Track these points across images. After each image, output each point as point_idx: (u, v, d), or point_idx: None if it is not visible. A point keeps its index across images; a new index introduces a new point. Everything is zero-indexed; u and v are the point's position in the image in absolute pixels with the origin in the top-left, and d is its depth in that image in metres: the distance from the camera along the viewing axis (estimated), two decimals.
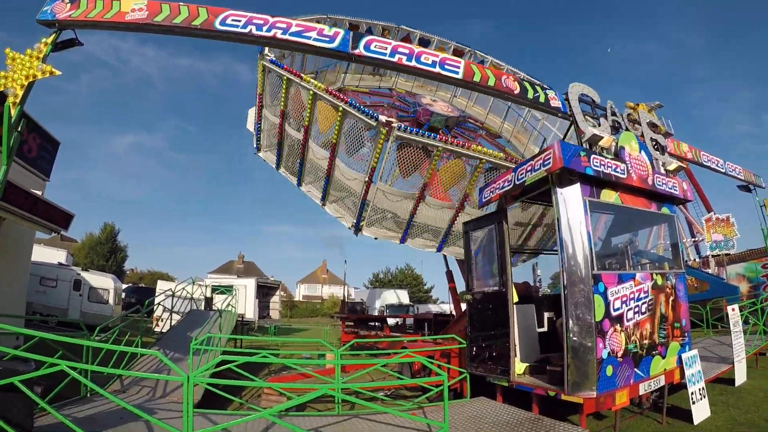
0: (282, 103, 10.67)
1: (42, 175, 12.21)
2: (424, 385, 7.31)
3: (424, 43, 15.07)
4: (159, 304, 15.75)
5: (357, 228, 10.50)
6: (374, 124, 9.00)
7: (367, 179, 9.61)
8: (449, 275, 12.33)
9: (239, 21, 6.98)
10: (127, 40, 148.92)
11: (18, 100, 6.19)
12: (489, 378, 7.29)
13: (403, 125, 9.12)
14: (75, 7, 6.87)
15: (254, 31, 6.93)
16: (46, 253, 23.73)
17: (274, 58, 10.49)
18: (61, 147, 12.91)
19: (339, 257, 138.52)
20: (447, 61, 7.26)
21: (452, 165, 9.62)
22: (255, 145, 13.20)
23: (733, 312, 9.01)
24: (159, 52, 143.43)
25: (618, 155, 7.06)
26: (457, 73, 7.23)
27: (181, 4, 7.04)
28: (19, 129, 6.48)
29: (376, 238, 10.74)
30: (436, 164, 9.32)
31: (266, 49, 10.30)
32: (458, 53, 15.01)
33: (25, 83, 6.23)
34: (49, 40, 6.64)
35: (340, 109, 9.31)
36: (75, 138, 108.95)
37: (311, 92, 9.68)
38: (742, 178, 13.79)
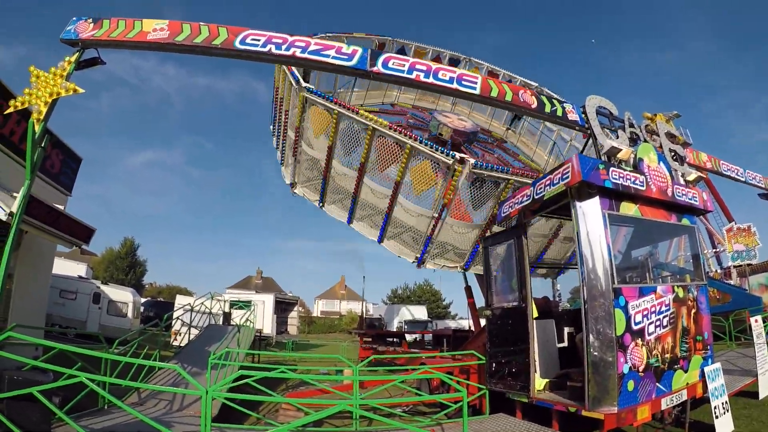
0: (330, 139, 10.38)
1: (64, 189, 12.46)
2: (443, 401, 7.25)
3: (454, 62, 15.37)
4: (177, 318, 15.90)
5: (420, 262, 10.71)
6: (450, 161, 9.13)
7: (435, 215, 9.81)
8: (468, 291, 12.28)
9: (259, 40, 7.09)
10: (148, 59, 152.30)
11: (42, 117, 6.37)
12: (508, 394, 7.21)
13: (477, 162, 9.32)
14: (98, 27, 7.06)
15: (273, 50, 7.03)
16: (67, 266, 24.14)
17: (314, 88, 10.51)
18: (83, 162, 13.20)
19: (357, 273, 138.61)
20: (464, 77, 7.28)
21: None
22: (289, 182, 13.07)
23: (756, 323, 8.84)
24: (179, 70, 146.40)
25: (637, 167, 7.00)
26: (474, 88, 7.24)
27: (202, 24, 7.17)
28: (42, 145, 6.68)
29: (435, 270, 10.96)
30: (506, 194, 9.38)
31: (301, 76, 10.64)
32: (454, 61, 15.28)
33: (49, 100, 6.41)
34: (73, 58, 6.83)
35: (408, 146, 9.43)
36: (96, 154, 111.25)
37: (371, 128, 9.69)
38: (763, 186, 13.55)
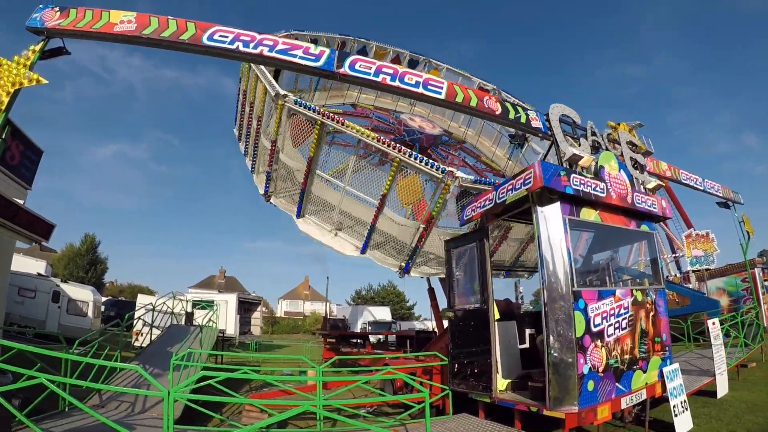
0: (312, 150, 10.13)
1: (24, 183, 12.02)
2: (406, 401, 7.29)
3: (413, 63, 15.44)
4: (139, 318, 15.53)
5: (406, 271, 10.66)
6: (440, 176, 9.11)
7: (423, 226, 9.77)
8: (431, 293, 12.38)
9: (226, 37, 6.99)
10: (115, 49, 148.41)
11: (3, 107, 6.13)
12: (471, 394, 7.30)
13: (295, 98, 9.72)
14: (64, 16, 6.86)
15: (241, 48, 6.94)
16: (26, 263, 23.26)
17: (299, 100, 10.29)
18: (44, 155, 12.76)
19: (321, 274, 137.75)
20: (430, 82, 7.34)
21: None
22: (263, 192, 12.72)
23: (714, 326, 9.17)
24: (145, 63, 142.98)
25: (598, 174, 7.20)
26: (440, 93, 7.31)
27: (170, 18, 7.04)
28: (2, 136, 6.44)
29: (422, 277, 11.08)
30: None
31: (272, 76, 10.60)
32: (413, 62, 15.41)
33: (11, 90, 6.18)
34: (37, 47, 6.61)
35: (397, 160, 9.38)
36: (57, 146, 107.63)
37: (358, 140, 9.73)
38: (721, 195, 14.09)
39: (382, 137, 9.73)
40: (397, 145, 9.51)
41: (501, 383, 7.05)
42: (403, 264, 10.61)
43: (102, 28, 6.91)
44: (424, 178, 9.60)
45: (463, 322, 7.79)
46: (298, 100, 10.18)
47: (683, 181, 12.99)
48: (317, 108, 9.85)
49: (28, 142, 12.03)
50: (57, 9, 6.92)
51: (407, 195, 9.74)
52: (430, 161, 9.35)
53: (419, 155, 9.54)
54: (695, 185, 13.33)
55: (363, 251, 10.74)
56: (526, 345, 8.17)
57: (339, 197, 10.47)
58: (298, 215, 11.20)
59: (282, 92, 9.99)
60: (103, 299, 29.25)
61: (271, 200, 12.19)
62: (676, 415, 6.70)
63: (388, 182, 9.54)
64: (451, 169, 9.19)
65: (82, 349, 9.34)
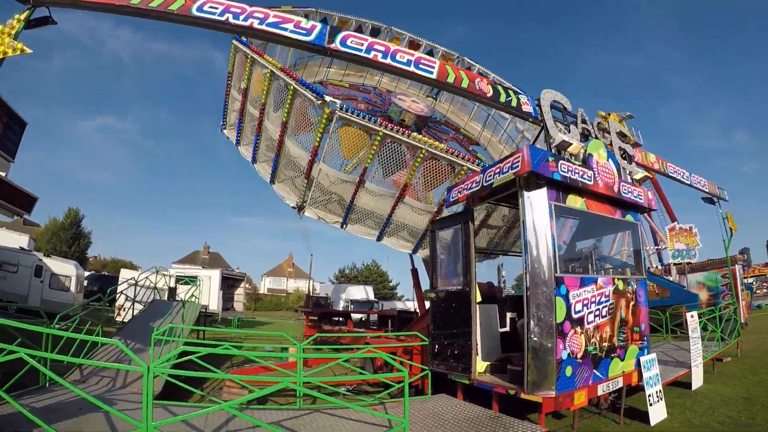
0: (245, 81, 10.54)
1: (7, 155, 11.74)
2: (386, 380, 7.35)
3: (375, 32, 15.13)
4: (122, 293, 15.39)
5: (300, 208, 10.58)
6: (318, 102, 8.89)
7: (309, 158, 9.61)
8: (414, 273, 12.34)
9: (216, 8, 6.87)
10: (103, 20, 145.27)
11: None
12: (450, 375, 7.37)
13: (345, 105, 9.04)
14: None
15: (231, 20, 6.82)
16: (8, 237, 22.98)
17: (244, 39, 10.18)
18: (28, 127, 12.48)
19: (305, 251, 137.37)
20: (422, 61, 7.28)
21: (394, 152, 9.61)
22: (222, 122, 12.95)
23: (692, 318, 9.28)
24: (135, 34, 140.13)
25: (586, 162, 7.21)
26: (431, 72, 7.25)
27: None
28: None
29: (319, 218, 10.75)
30: (375, 150, 9.31)
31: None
32: (375, 30, 15.18)
33: None
34: (23, 16, 6.48)
35: (291, 88, 9.26)
36: (42, 118, 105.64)
37: (269, 71, 9.60)
38: (707, 190, 14.25)
39: (288, 69, 9.69)
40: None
41: (480, 365, 7.11)
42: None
43: None
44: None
45: (444, 304, 7.82)
46: (351, 107, 9.41)
47: (670, 174, 13.11)
48: (253, 47, 9.77)
49: (11, 113, 11.70)
50: None
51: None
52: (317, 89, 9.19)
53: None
54: (682, 179, 13.47)
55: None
56: (507, 329, 8.25)
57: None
58: (343, 225, 10.77)
59: (329, 99, 9.01)
60: (86, 274, 28.98)
61: (305, 212, 11.05)
62: (651, 405, 6.82)
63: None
64: (332, 99, 8.93)
65: (64, 324, 9.26)
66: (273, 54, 12.75)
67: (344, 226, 10.57)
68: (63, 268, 21.46)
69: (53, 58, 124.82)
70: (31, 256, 21.00)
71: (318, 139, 9.25)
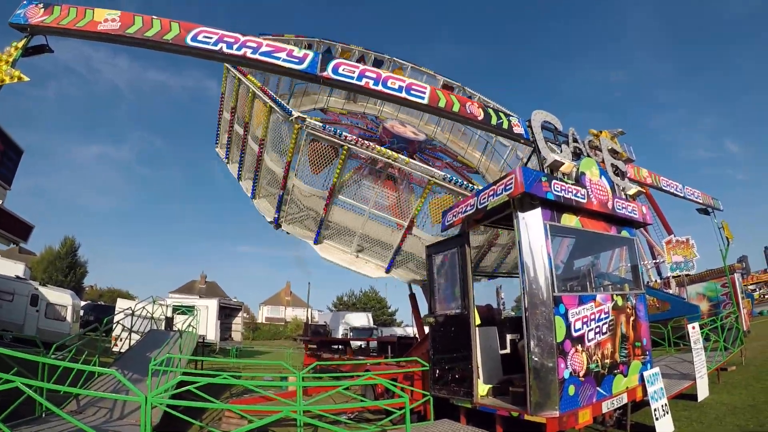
0: (233, 101, 11.03)
1: (3, 183, 11.76)
2: (387, 407, 7.25)
3: (378, 63, 15.46)
4: (118, 322, 15.29)
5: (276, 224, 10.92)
6: (288, 117, 9.20)
7: (284, 172, 9.90)
8: (412, 298, 12.33)
9: (210, 38, 6.94)
10: (99, 49, 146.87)
11: None
12: (452, 400, 7.28)
13: (315, 123, 9.37)
14: (48, 13, 6.78)
15: (225, 49, 6.89)
16: (3, 266, 22.78)
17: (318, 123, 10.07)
18: (24, 155, 12.50)
19: (303, 279, 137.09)
20: (413, 86, 7.35)
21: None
22: (215, 141, 13.32)
23: (694, 330, 9.27)
24: (131, 63, 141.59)
25: (579, 181, 7.27)
26: (422, 98, 7.32)
27: (154, 17, 6.99)
28: None
29: (288, 233, 11.12)
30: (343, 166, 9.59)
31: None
32: (448, 87, 15.43)
33: None
34: (20, 44, 6.54)
35: (268, 105, 9.71)
36: (38, 146, 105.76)
37: (251, 91, 10.05)
38: (701, 201, 14.30)
39: (265, 88, 10.03)
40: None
41: (482, 388, 7.05)
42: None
43: (86, 27, 6.83)
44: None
45: (444, 328, 7.78)
46: (322, 123, 9.79)
47: (663, 188, 13.17)
48: (344, 133, 9.71)
49: (8, 140, 11.76)
50: (41, 5, 6.85)
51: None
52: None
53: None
54: (675, 192, 13.52)
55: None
56: (508, 350, 8.19)
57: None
58: (316, 242, 10.97)
59: (297, 114, 9.46)
60: (82, 303, 28.72)
61: (282, 227, 11.61)
62: (657, 419, 6.77)
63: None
64: (300, 116, 9.26)
65: (60, 353, 9.17)
66: (275, 82, 13.12)
67: (317, 242, 10.85)
68: (59, 297, 21.29)
69: (49, 85, 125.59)
70: (27, 285, 20.83)
71: (290, 155, 9.63)
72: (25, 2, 6.85)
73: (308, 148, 9.66)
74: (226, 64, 10.77)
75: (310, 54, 7.00)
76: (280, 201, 10.70)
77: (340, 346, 17.06)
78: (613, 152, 9.29)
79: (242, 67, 10.47)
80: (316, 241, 10.91)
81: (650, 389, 6.99)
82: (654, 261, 27.38)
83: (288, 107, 9.64)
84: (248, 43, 6.95)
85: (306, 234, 11.16)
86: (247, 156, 12.04)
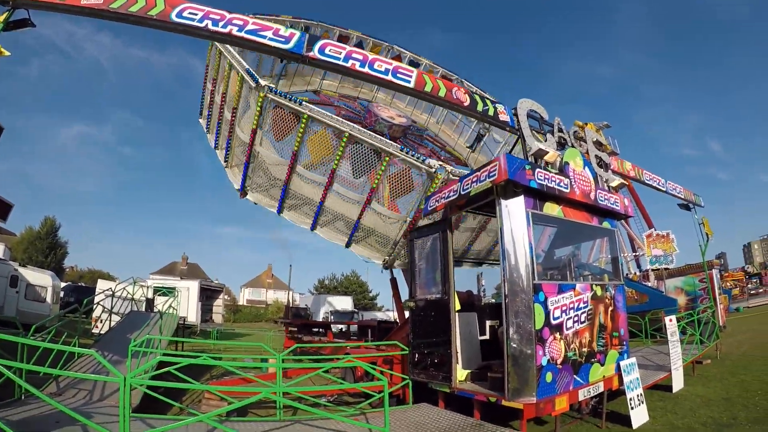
0: (215, 72, 11.13)
1: None
2: (366, 390, 7.31)
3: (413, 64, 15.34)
4: (98, 304, 15.10)
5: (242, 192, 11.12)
6: (432, 170, 9.15)
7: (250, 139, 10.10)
8: (393, 282, 12.37)
9: (196, 15, 6.79)
10: (83, 25, 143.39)
11: None
12: (431, 384, 7.36)
13: (275, 89, 9.51)
14: None
15: (210, 26, 6.75)
16: None
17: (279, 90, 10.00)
18: (3, 133, 12.25)
19: (285, 262, 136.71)
20: (400, 70, 7.31)
21: (320, 135, 9.79)
22: (238, 188, 12.29)
23: (671, 323, 9.41)
24: (114, 40, 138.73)
25: (562, 170, 7.31)
26: (408, 82, 7.29)
27: None
28: None
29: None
30: (303, 136, 9.61)
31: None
32: (446, 79, 15.37)
33: None
34: (1, 18, 6.33)
35: (240, 74, 9.84)
36: (18, 125, 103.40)
37: (228, 62, 10.18)
38: (682, 196, 14.50)
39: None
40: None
41: (461, 374, 7.12)
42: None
43: (69, 0, 6.63)
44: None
45: (424, 312, 7.83)
46: (283, 91, 9.89)
47: (646, 182, 13.34)
48: (304, 101, 9.66)
49: None
50: None
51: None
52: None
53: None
54: (658, 186, 13.70)
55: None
56: (487, 336, 8.28)
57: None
58: (279, 211, 11.07)
59: (264, 83, 9.56)
60: (63, 285, 28.38)
61: (247, 196, 11.81)
62: (632, 408, 6.90)
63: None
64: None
65: (39, 335, 9.06)
66: (269, 63, 13.20)
67: (280, 212, 10.99)
68: (39, 278, 20.96)
69: (31, 62, 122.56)
70: (6, 266, 20.46)
71: (254, 122, 9.76)
72: None
73: (271, 114, 9.75)
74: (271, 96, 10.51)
75: (297, 33, 6.90)
76: (246, 168, 10.84)
77: (320, 329, 17.09)
78: (598, 144, 9.35)
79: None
80: (279, 211, 11.02)
81: (626, 379, 7.11)
82: (634, 253, 27.75)
83: (256, 76, 9.70)
84: (234, 21, 6.82)
85: (270, 204, 11.25)
86: (223, 125, 12.16)
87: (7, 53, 6.15)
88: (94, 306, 15.62)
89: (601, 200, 7.79)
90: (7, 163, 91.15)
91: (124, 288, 16.76)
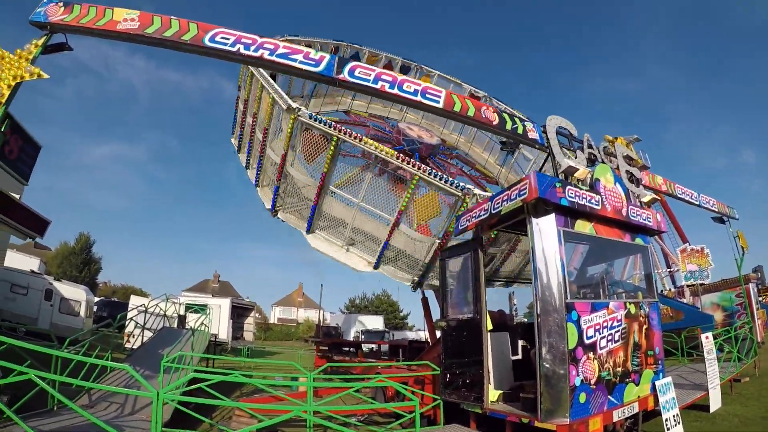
0: (326, 166, 10.24)
1: (21, 178, 11.93)
2: (397, 410, 7.25)
3: (405, 69, 15.53)
4: (131, 319, 15.42)
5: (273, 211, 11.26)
6: (459, 194, 9.22)
7: (439, 242, 9.90)
8: (425, 302, 12.30)
9: (228, 39, 7.03)
10: (117, 48, 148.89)
11: (4, 100, 6.17)
12: (462, 405, 7.25)
13: (309, 112, 9.64)
14: (68, 12, 6.90)
15: (242, 50, 6.98)
16: (19, 260, 23.15)
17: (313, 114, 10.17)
18: (41, 150, 12.69)
19: (316, 281, 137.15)
20: (429, 90, 7.39)
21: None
22: (269, 207, 12.59)
23: (707, 340, 9.16)
24: (148, 63, 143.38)
25: (593, 187, 7.22)
26: (438, 102, 7.34)
27: (173, 18, 7.09)
28: (2, 129, 6.47)
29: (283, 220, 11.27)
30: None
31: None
32: (405, 68, 15.56)
33: (12, 83, 6.23)
34: (40, 42, 6.67)
35: (417, 177, 9.55)
36: (55, 143, 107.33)
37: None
38: (716, 210, 14.13)
39: (400, 154, 9.85)
40: (415, 161, 9.59)
41: (493, 394, 7.01)
42: (416, 278, 10.64)
43: (105, 26, 6.95)
44: (443, 195, 9.64)
45: (455, 332, 7.76)
46: (313, 114, 10.00)
47: (678, 196, 13.04)
48: (334, 123, 9.81)
49: (26, 136, 11.93)
50: (61, 4, 6.97)
51: (424, 212, 9.84)
52: (449, 179, 9.40)
53: (438, 173, 9.60)
54: (690, 200, 13.39)
55: (376, 266, 10.78)
56: (519, 356, 8.15)
57: (352, 213, 10.42)
58: (309, 231, 11.13)
59: (295, 105, 9.72)
60: (96, 299, 29.09)
61: (278, 215, 11.92)
62: (668, 429, 6.70)
63: (406, 199, 9.58)
64: (469, 186, 9.25)
65: (73, 348, 9.28)
66: (299, 84, 13.68)
67: (309, 231, 10.99)
68: (73, 292, 21.58)
69: (67, 83, 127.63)
70: (41, 280, 21.16)
71: (285, 144, 9.84)
72: (45, 0, 6.98)
73: (302, 136, 9.90)
74: (303, 120, 10.75)
75: (327, 56, 7.06)
76: (276, 188, 11.00)
77: (351, 349, 17.06)
78: (628, 159, 9.20)
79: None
80: (309, 230, 11.05)
81: (662, 399, 6.92)
82: (668, 269, 27.00)
83: (287, 98, 9.86)
84: (265, 45, 7.03)
85: (300, 224, 11.35)
86: (255, 146, 12.38)
87: (46, 76, 6.41)
88: (127, 321, 15.95)
89: (633, 216, 7.65)
90: (44, 179, 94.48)
91: (156, 304, 17.08)
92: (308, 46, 14.11)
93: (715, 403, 8.72)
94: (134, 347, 15.23)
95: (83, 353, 8.99)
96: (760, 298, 25.21)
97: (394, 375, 8.45)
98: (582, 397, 5.94)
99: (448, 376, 7.66)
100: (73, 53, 7.25)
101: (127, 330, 19.50)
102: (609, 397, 6.37)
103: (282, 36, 13.63)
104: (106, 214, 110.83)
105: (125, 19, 7.01)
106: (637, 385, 6.90)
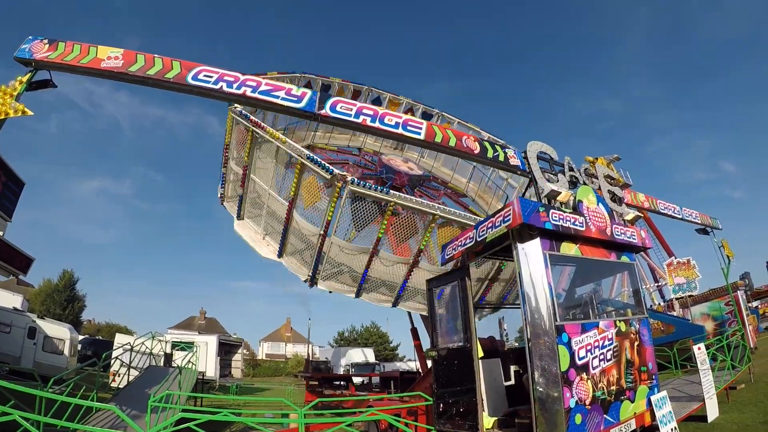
0: (246, 156, 10.52)
1: (4, 215, 11.77)
2: None
3: (427, 116, 15.81)
4: (117, 358, 15.15)
5: (312, 281, 10.39)
6: (329, 177, 9.01)
7: (322, 232, 9.55)
8: (414, 332, 12.22)
9: (211, 77, 7.09)
10: (101, 84, 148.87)
11: None
12: None
13: (356, 180, 9.14)
14: (53, 49, 6.90)
15: (225, 88, 7.03)
16: (2, 297, 22.72)
17: (242, 110, 10.22)
18: (24, 187, 12.55)
19: (303, 315, 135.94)
20: (410, 122, 7.50)
21: (404, 220, 9.72)
22: (219, 195, 12.83)
23: (699, 351, 9.24)
24: (132, 99, 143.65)
25: (576, 209, 7.31)
26: (419, 134, 7.45)
27: (156, 56, 7.13)
28: None
29: (330, 292, 10.62)
30: (388, 219, 9.42)
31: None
32: (427, 115, 15.64)
33: None
34: (25, 78, 6.67)
35: (299, 162, 9.38)
36: (38, 179, 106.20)
37: (275, 146, 9.76)
38: (699, 221, 14.36)
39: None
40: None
41: (487, 421, 6.94)
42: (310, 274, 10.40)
43: (89, 63, 6.95)
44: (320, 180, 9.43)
45: (446, 361, 7.72)
46: (241, 110, 9.94)
47: (661, 211, 13.25)
48: (254, 120, 9.83)
49: (10, 173, 11.83)
50: (46, 41, 6.97)
51: (309, 197, 9.71)
52: (324, 164, 9.18)
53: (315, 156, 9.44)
54: (673, 214, 13.60)
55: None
56: (512, 382, 8.11)
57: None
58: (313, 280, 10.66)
59: (338, 173, 9.01)
60: (81, 338, 28.52)
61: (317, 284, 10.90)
62: None
63: (294, 183, 9.59)
64: (340, 173, 9.01)
65: (58, 387, 9.07)
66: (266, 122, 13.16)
67: (359, 295, 10.56)
68: (57, 330, 21.16)
69: (51, 119, 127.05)
70: (24, 317, 20.70)
71: (330, 213, 9.28)
72: (30, 37, 6.99)
73: (351, 207, 9.46)
74: (233, 114, 10.49)
75: (308, 92, 7.13)
76: (317, 259, 10.08)
77: (342, 382, 16.87)
78: (610, 178, 9.36)
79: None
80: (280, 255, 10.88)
81: (658, 413, 6.94)
82: (656, 284, 27.29)
83: (330, 168, 9.18)
84: (248, 82, 7.09)
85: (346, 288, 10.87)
86: (272, 219, 11.40)
87: (30, 113, 6.41)
88: (113, 360, 15.65)
89: (618, 235, 7.74)
90: (27, 215, 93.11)
91: (142, 342, 16.84)
92: (326, 86, 14.48)
93: (713, 412, 8.77)
94: (120, 386, 14.89)
95: (68, 393, 8.80)
96: (751, 304, 25.45)
97: (386, 407, 8.35)
98: (578, 419, 5.92)
99: (442, 405, 7.58)
100: (58, 89, 7.25)
101: (112, 369, 19.12)
102: (605, 416, 6.35)
103: (303, 73, 14.05)
104: (91, 250, 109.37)
105: (109, 57, 7.02)
106: (632, 402, 6.89)
